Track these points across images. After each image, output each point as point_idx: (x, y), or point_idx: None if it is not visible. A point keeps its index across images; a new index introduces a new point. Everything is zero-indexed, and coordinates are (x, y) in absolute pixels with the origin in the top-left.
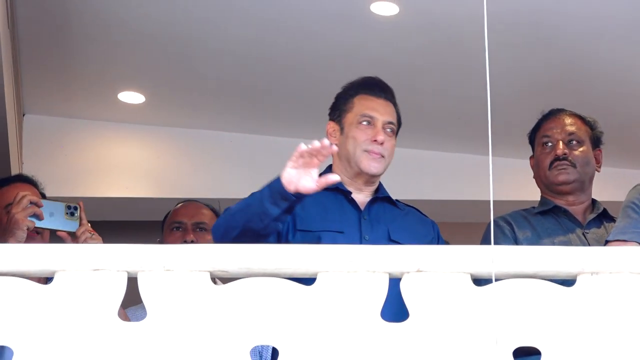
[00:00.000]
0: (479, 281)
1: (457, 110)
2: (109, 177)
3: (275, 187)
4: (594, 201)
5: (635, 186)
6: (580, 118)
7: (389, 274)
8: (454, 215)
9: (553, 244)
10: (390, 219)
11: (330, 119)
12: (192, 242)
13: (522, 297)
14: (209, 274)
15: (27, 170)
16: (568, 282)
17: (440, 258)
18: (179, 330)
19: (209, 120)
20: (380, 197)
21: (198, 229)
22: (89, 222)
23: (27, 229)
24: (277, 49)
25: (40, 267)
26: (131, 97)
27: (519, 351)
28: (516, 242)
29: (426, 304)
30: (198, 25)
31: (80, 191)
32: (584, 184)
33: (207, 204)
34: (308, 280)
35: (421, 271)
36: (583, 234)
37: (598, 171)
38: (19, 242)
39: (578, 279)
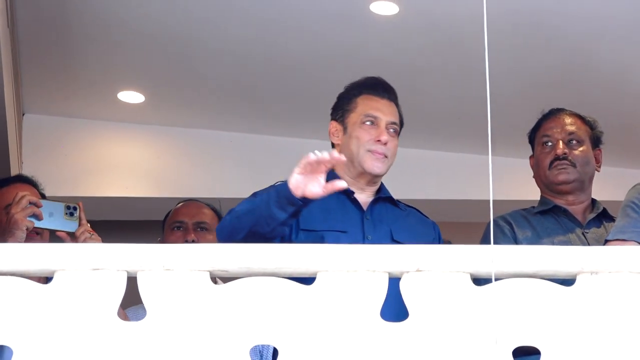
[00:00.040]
0: (479, 281)
1: (457, 110)
2: (109, 177)
3: (282, 192)
4: (593, 201)
5: (635, 185)
6: (580, 118)
7: (389, 273)
8: (454, 215)
9: (553, 243)
10: (392, 219)
11: (333, 119)
12: (193, 241)
13: (521, 296)
14: (208, 273)
15: (26, 170)
16: (568, 281)
17: (440, 258)
18: (179, 330)
19: (208, 120)
20: (383, 197)
21: (199, 229)
22: (88, 221)
23: (27, 229)
24: (276, 48)
25: (39, 266)
26: (131, 96)
27: (518, 351)
28: (516, 241)
29: (426, 303)
30: (198, 25)
31: (79, 191)
32: (583, 184)
33: (208, 203)
34: (308, 280)
35: (421, 271)
36: (583, 233)
37: (598, 171)
38: (19, 242)
39: (578, 278)
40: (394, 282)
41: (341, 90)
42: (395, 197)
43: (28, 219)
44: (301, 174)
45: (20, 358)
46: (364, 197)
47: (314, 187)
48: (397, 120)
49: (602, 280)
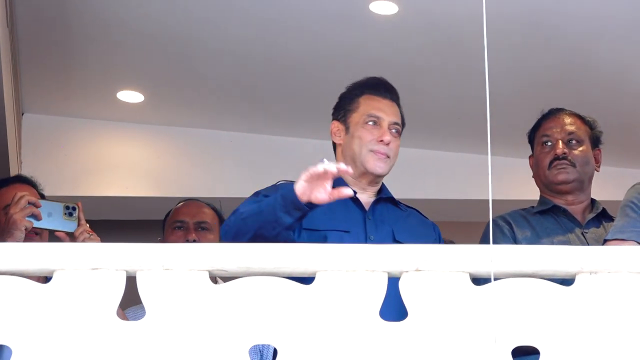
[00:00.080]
0: (478, 280)
1: (457, 110)
2: (108, 176)
3: (289, 197)
4: (593, 201)
5: (634, 185)
6: (580, 118)
7: (388, 273)
8: (453, 215)
9: (552, 243)
10: (394, 220)
11: (335, 119)
12: (194, 241)
13: (521, 296)
14: (207, 273)
15: (25, 169)
16: (567, 281)
17: (439, 257)
18: (178, 330)
19: (208, 120)
20: (384, 197)
21: (200, 229)
22: (87, 221)
23: (25, 230)
24: (275, 48)
25: (39, 266)
26: (130, 96)
27: (517, 350)
28: (515, 241)
29: (425, 303)
30: (197, 25)
31: (79, 190)
32: (583, 184)
33: (208, 203)
34: (307, 280)
35: (420, 270)
36: (582, 233)
37: (597, 171)
38: (17, 242)
39: (577, 278)
40: (394, 282)
41: (340, 89)
42: (394, 196)
43: (27, 219)
44: (307, 182)
45: (20, 357)
46: (366, 197)
47: (320, 193)
48: (399, 121)
49: (601, 280)
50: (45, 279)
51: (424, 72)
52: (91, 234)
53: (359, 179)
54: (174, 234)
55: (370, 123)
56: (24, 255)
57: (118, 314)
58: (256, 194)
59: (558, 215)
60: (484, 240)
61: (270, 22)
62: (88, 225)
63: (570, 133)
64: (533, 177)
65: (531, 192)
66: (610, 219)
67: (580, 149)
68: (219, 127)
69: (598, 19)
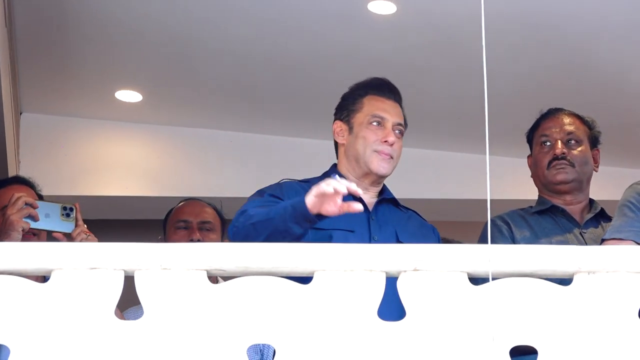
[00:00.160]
0: (476, 280)
1: (456, 109)
2: (107, 176)
3: (299, 209)
4: (591, 201)
5: (632, 185)
6: (579, 118)
7: (386, 273)
8: (452, 214)
9: (551, 243)
10: (396, 221)
11: (337, 119)
12: (198, 240)
13: (518, 296)
14: (205, 272)
15: (24, 169)
16: (566, 281)
17: (437, 257)
18: (176, 329)
19: (207, 119)
20: (387, 198)
21: (204, 229)
22: (86, 221)
23: (23, 230)
24: (274, 47)
25: (37, 265)
26: (128, 95)
27: (515, 350)
28: (514, 241)
29: (423, 302)
30: (195, 24)
31: (77, 190)
32: (582, 184)
33: (210, 202)
34: (305, 279)
35: (418, 270)
36: (580, 233)
37: (596, 171)
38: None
39: (575, 278)
40: (394, 283)
41: (339, 89)
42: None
43: (24, 220)
44: (317, 198)
45: (18, 357)
46: (368, 197)
47: (330, 206)
48: (402, 122)
49: (599, 279)
50: (44, 278)
51: (422, 71)
52: (88, 235)
53: (361, 179)
54: (177, 234)
55: (375, 123)
56: (22, 255)
57: (115, 314)
58: (260, 192)
59: (556, 215)
60: (482, 240)
61: (269, 22)
62: (85, 225)
63: (569, 133)
64: (531, 176)
65: (529, 192)
66: (609, 219)
67: (579, 149)
68: (218, 126)
69: (598, 19)
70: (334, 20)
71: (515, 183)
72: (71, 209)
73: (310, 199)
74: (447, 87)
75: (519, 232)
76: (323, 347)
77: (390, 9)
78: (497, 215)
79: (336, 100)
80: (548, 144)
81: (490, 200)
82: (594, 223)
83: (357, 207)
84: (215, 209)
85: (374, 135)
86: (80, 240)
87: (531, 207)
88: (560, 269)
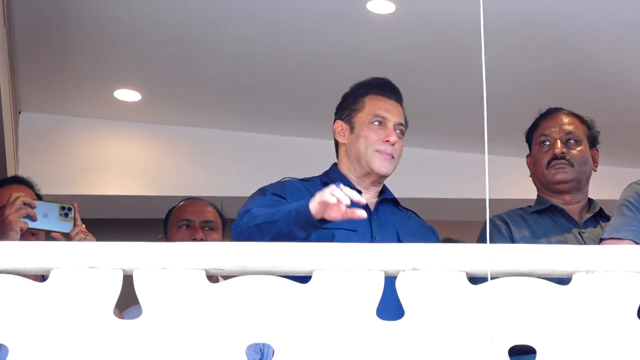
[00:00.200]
0: (475, 280)
1: (455, 109)
2: (106, 175)
3: (303, 215)
4: (590, 200)
5: (630, 184)
6: (578, 117)
7: (385, 272)
8: (451, 214)
9: (549, 243)
10: (397, 221)
11: (338, 118)
12: (201, 240)
13: (517, 295)
14: (204, 271)
15: (22, 168)
16: (564, 280)
17: (436, 256)
18: (175, 328)
19: (207, 118)
20: (388, 198)
21: (206, 228)
22: (85, 220)
23: (21, 230)
24: (274, 47)
25: (35, 264)
26: (127, 94)
27: (514, 350)
28: (513, 241)
29: (422, 302)
30: (194, 24)
31: (76, 189)
32: (581, 183)
33: (211, 202)
34: (304, 279)
35: (417, 269)
36: (579, 233)
37: (595, 170)
38: None
39: (573, 277)
40: (393, 282)
41: (338, 88)
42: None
43: (22, 220)
44: (320, 205)
45: (16, 356)
46: (369, 197)
47: (334, 212)
48: (403, 122)
49: (598, 279)
50: (42, 277)
51: (421, 70)
52: (87, 235)
53: (362, 179)
54: (180, 232)
55: (376, 123)
56: (21, 254)
57: (114, 314)
58: (262, 191)
59: (555, 214)
60: (481, 239)
61: (267, 21)
62: (84, 225)
63: (569, 133)
64: (530, 176)
65: (528, 192)
66: (608, 218)
67: (579, 148)
68: (218, 126)
69: (598, 19)
70: (333, 20)
71: (514, 183)
72: (69, 209)
73: (314, 205)
74: (447, 86)
75: (517, 231)
76: (322, 346)
77: (389, 8)
78: (496, 215)
79: (336, 100)
80: (547, 143)
81: (489, 199)
82: (592, 223)
83: (361, 214)
84: (216, 208)
85: (376, 134)
86: (79, 240)
87: (530, 206)
88: (559, 269)
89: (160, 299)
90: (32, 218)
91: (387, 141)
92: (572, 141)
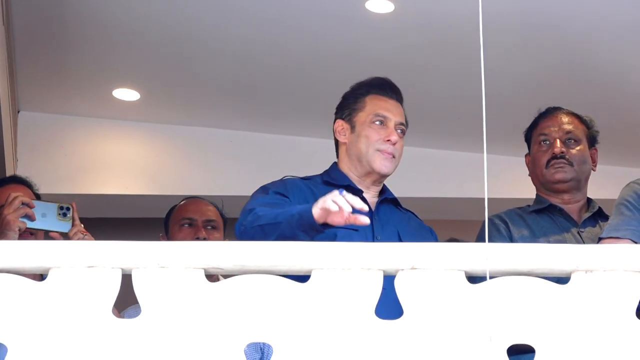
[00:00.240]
0: (474, 279)
1: (454, 108)
2: (105, 174)
3: (306, 219)
4: (589, 200)
5: (629, 183)
6: (577, 117)
7: (384, 271)
8: (451, 213)
9: (548, 242)
10: (397, 221)
11: (339, 118)
12: (204, 239)
13: (516, 294)
14: (203, 271)
15: (21, 167)
16: (563, 279)
17: (435, 255)
18: (173, 327)
19: (206, 118)
20: (389, 198)
21: (209, 227)
22: (84, 219)
23: (19, 230)
24: (273, 47)
25: (34, 263)
26: (126, 94)
27: (513, 349)
28: (512, 240)
29: (420, 301)
30: (193, 23)
31: (75, 188)
32: (580, 183)
33: (212, 201)
34: (303, 278)
35: (415, 269)
36: (578, 232)
37: (594, 170)
38: None
39: (572, 276)
40: (391, 281)
41: (337, 87)
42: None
43: (20, 219)
44: (323, 210)
45: (15, 355)
46: (369, 196)
47: (336, 217)
48: (404, 121)
49: (596, 278)
50: (41, 276)
51: (420, 70)
52: (85, 234)
53: (363, 178)
54: (182, 231)
55: (377, 123)
56: (20, 253)
57: (112, 313)
58: (264, 189)
59: (554, 214)
60: (480, 238)
61: (267, 21)
62: (82, 225)
63: (568, 132)
64: (529, 175)
65: (527, 191)
66: (606, 218)
67: (578, 148)
68: (217, 125)
69: (598, 19)
70: (332, 19)
71: (514, 182)
72: (68, 209)
73: (317, 211)
74: (447, 86)
75: (516, 230)
76: (320, 345)
77: (388, 7)
78: (495, 214)
79: (335, 99)
80: (547, 142)
81: (488, 199)
82: (591, 222)
83: (364, 220)
84: (217, 207)
85: (377, 134)
86: (77, 240)
87: (529, 206)
88: (558, 268)
89: (159, 298)
90: (31, 218)
91: (388, 140)
92: (571, 141)
